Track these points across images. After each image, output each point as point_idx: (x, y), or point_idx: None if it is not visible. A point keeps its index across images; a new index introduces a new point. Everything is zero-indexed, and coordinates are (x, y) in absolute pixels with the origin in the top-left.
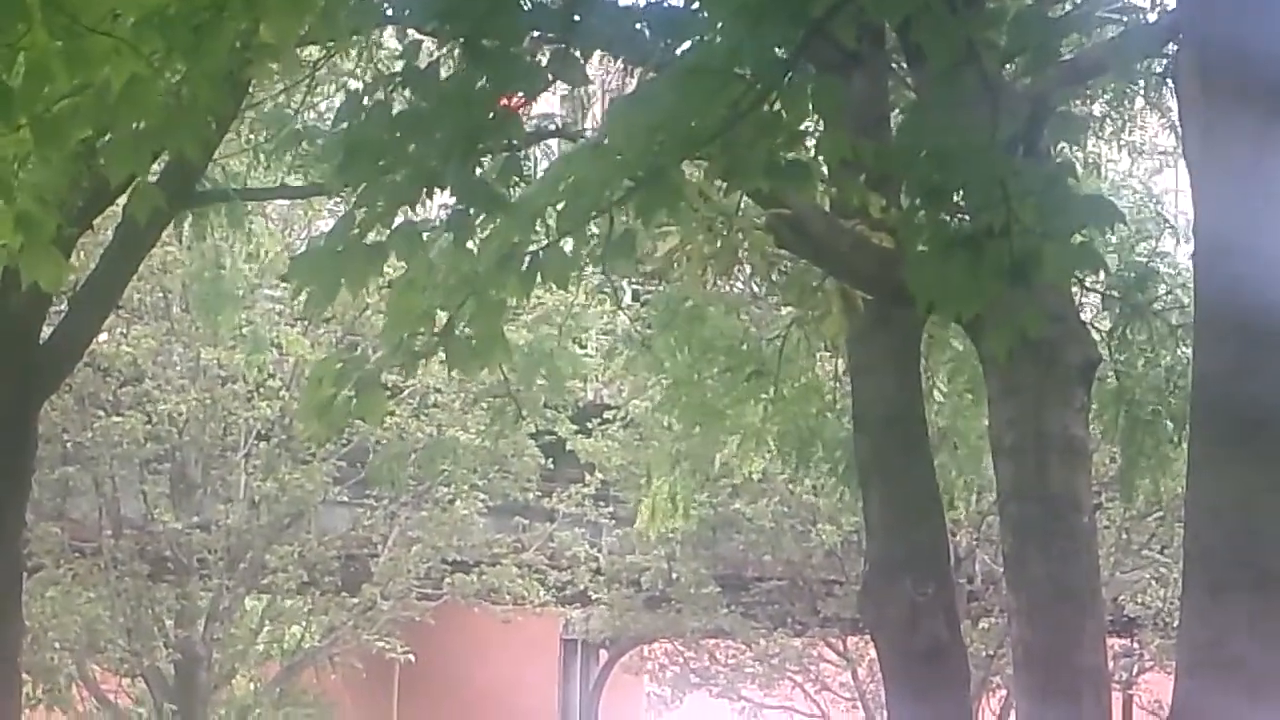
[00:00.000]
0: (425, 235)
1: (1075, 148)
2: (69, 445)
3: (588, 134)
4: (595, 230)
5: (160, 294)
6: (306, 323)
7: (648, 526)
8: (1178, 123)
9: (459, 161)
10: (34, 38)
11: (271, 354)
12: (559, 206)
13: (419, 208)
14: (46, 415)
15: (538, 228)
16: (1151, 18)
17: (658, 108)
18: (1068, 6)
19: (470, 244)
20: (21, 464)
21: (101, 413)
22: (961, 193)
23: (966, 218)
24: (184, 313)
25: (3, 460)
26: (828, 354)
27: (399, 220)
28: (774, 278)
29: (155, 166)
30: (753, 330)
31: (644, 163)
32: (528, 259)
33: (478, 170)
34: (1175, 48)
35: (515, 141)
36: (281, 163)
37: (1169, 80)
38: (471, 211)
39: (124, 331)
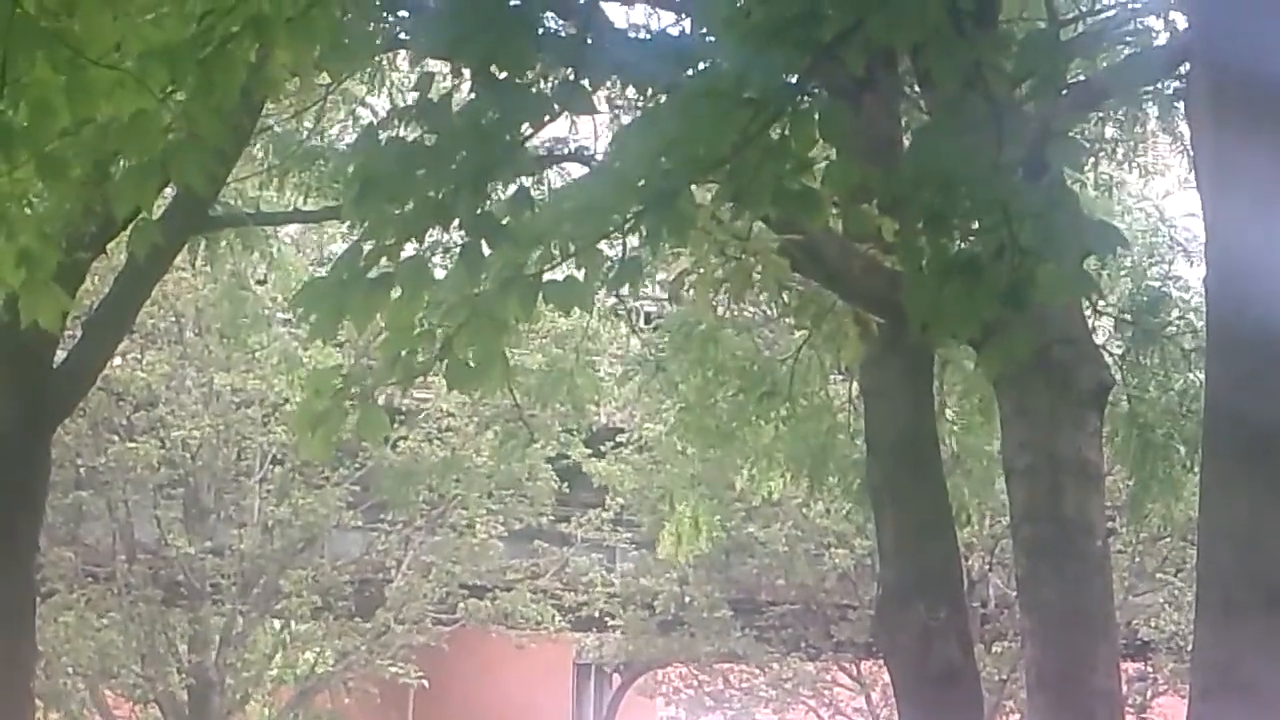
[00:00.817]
0: (432, 266)
1: (1087, 170)
2: (82, 470)
3: (598, 157)
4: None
5: (173, 319)
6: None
7: (674, 552)
8: (1189, 145)
9: (469, 195)
10: (37, 73)
11: (293, 376)
12: (564, 229)
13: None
14: (60, 440)
15: (554, 250)
16: (1162, 40)
17: (665, 131)
18: (1079, 29)
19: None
20: (35, 488)
21: (115, 437)
22: (964, 216)
23: (968, 241)
24: (197, 337)
25: (16, 485)
26: (840, 377)
27: (406, 253)
28: (786, 300)
29: (168, 191)
30: (765, 352)
31: (650, 186)
32: (530, 282)
33: (488, 203)
34: (1186, 70)
35: (524, 175)
36: (294, 185)
37: (1180, 102)
38: (483, 244)
39: (138, 356)
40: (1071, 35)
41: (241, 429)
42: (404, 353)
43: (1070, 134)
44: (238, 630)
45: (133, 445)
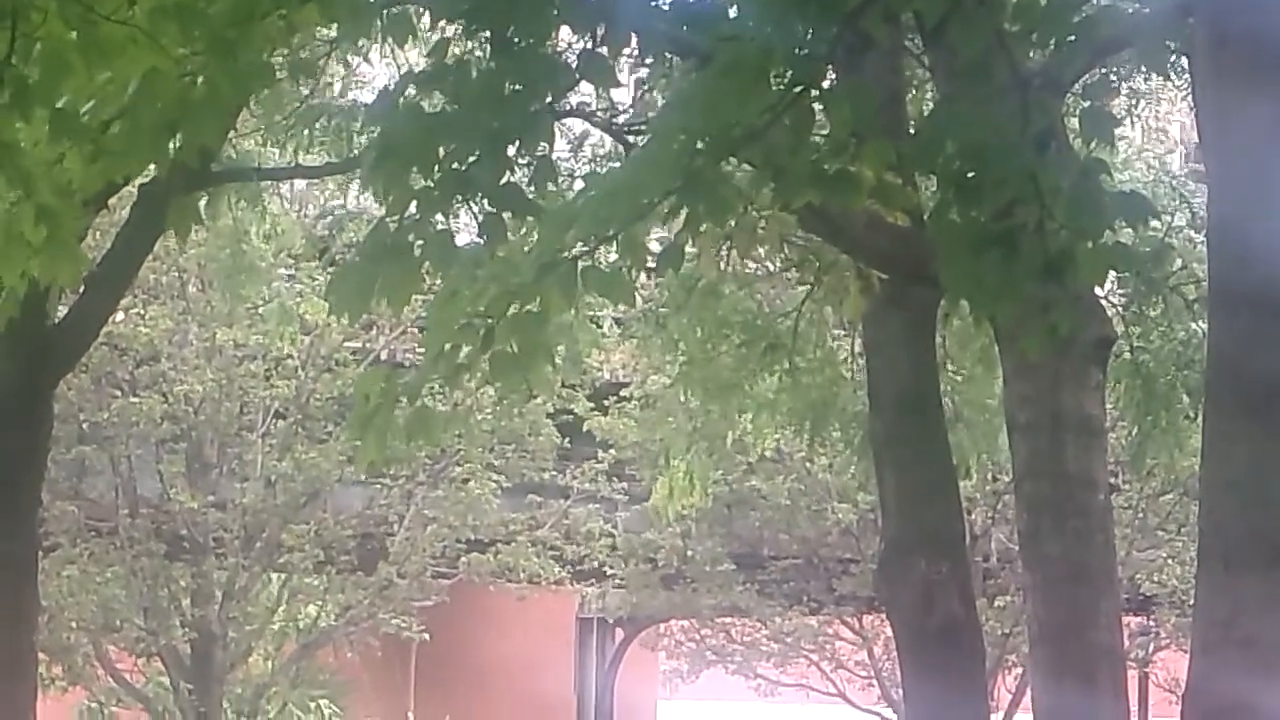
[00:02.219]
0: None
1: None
2: (85, 425)
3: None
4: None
5: (176, 274)
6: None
7: (665, 505)
8: (1192, 100)
9: (489, 164)
10: (49, 28)
11: (293, 329)
12: (599, 212)
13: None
14: (63, 395)
15: (591, 234)
16: None
17: (694, 109)
18: None
19: (503, 251)
20: (37, 444)
21: (118, 392)
22: (994, 188)
23: (1001, 214)
24: (200, 292)
25: (18, 440)
26: (843, 332)
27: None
28: (789, 254)
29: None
30: (766, 308)
31: (684, 164)
32: (568, 268)
33: (509, 174)
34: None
35: (546, 143)
36: (295, 141)
37: (1183, 57)
38: (505, 216)
39: (140, 311)
40: None
41: (244, 383)
42: (448, 347)
43: (1099, 104)
44: (240, 584)
45: (135, 400)
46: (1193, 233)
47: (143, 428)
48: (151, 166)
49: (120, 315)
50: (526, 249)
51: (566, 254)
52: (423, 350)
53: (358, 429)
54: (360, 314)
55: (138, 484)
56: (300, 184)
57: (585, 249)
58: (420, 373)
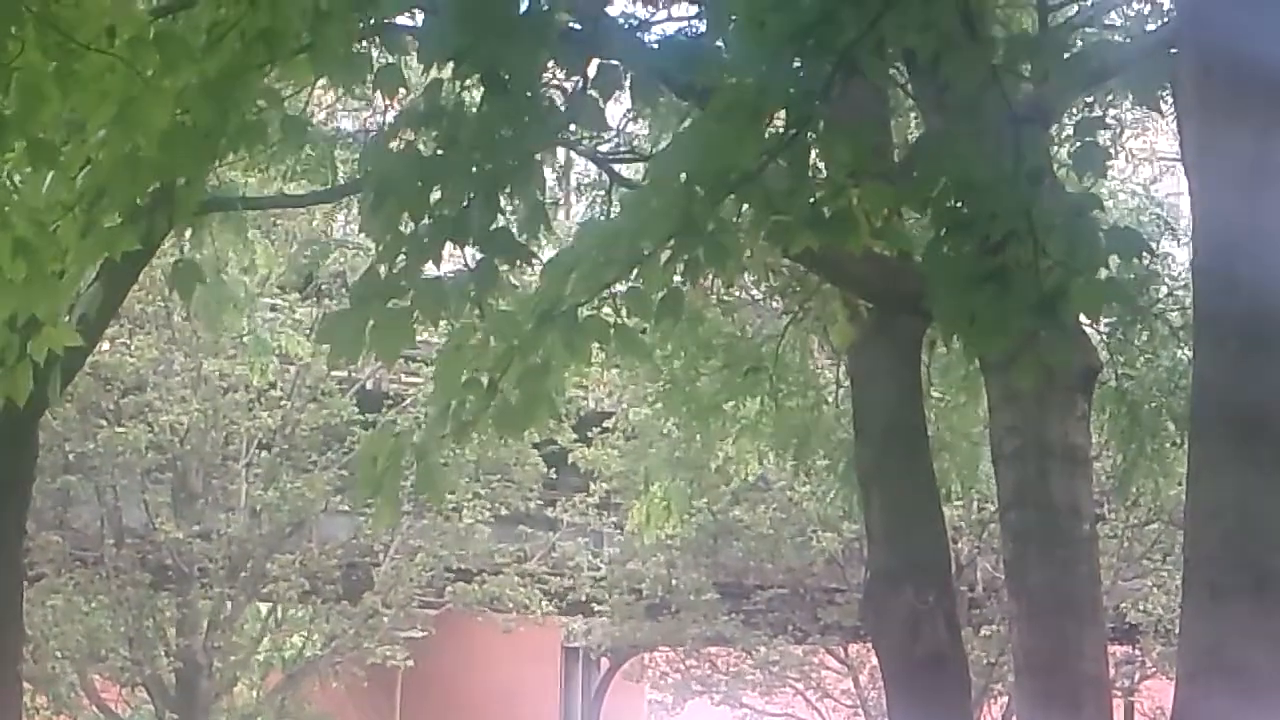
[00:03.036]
0: (449, 288)
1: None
2: (71, 454)
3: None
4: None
5: (161, 303)
6: (310, 331)
7: (641, 530)
8: (1176, 129)
9: (481, 209)
10: (27, 58)
11: (274, 362)
12: (596, 259)
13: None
14: (48, 424)
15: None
16: (1151, 26)
17: (690, 154)
18: (1073, 11)
19: (504, 302)
20: (22, 473)
21: (103, 422)
22: (987, 223)
23: (994, 249)
24: (185, 322)
25: (3, 469)
26: (828, 360)
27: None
28: (773, 281)
29: None
30: (749, 332)
31: (679, 210)
32: (568, 319)
33: (501, 219)
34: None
35: (537, 188)
36: (279, 170)
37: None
38: (496, 262)
39: (125, 341)
40: (1064, 19)
41: (229, 413)
42: (454, 404)
43: (1091, 140)
44: (225, 614)
45: (121, 430)
46: (1177, 258)
47: (128, 457)
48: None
49: (105, 345)
50: (528, 301)
51: (566, 305)
52: (409, 380)
53: (368, 490)
54: (354, 358)
55: (123, 514)
56: (282, 213)
57: (585, 298)
58: (427, 431)
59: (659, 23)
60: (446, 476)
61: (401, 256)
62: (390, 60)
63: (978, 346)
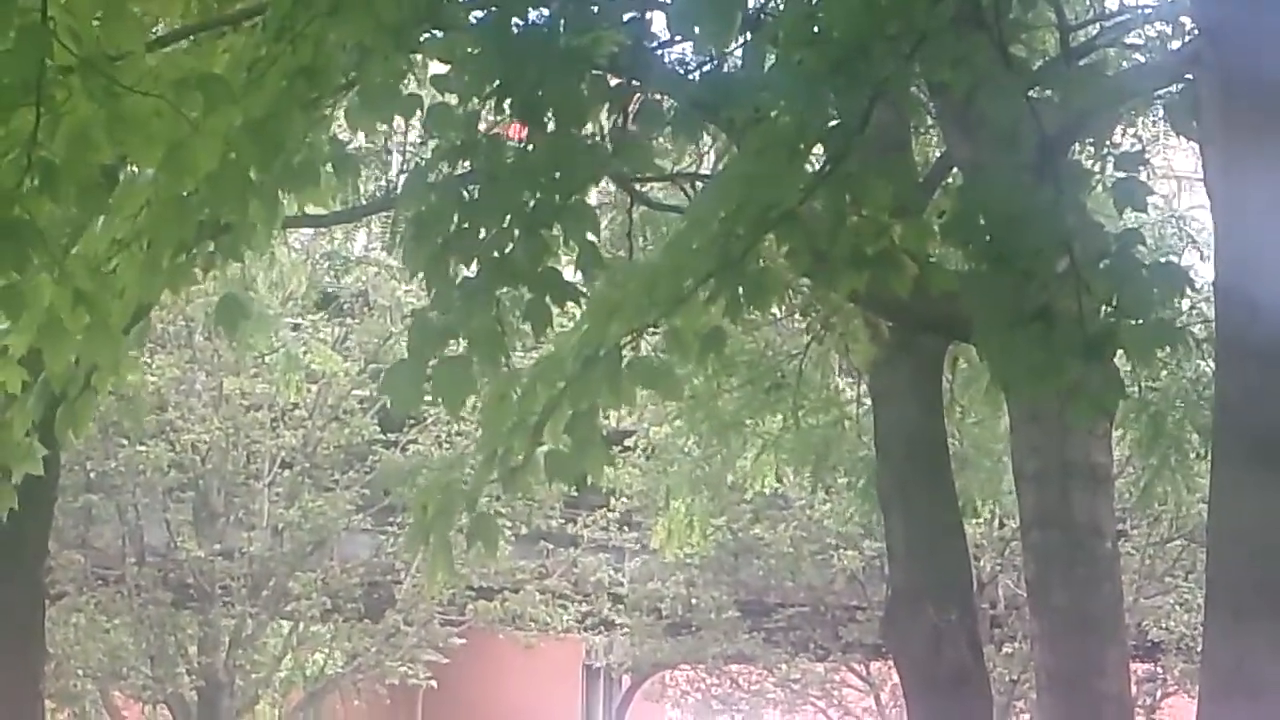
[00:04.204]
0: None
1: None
2: (92, 473)
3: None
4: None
5: (183, 322)
6: (333, 349)
7: (664, 547)
8: (1199, 149)
9: (529, 249)
10: (74, 104)
11: (301, 376)
12: (639, 300)
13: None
14: (69, 443)
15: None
16: (1175, 45)
17: (729, 192)
18: (1094, 30)
19: (548, 341)
20: (43, 492)
21: (125, 441)
22: (1027, 258)
23: (1037, 286)
24: (207, 341)
25: (25, 488)
26: (849, 379)
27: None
28: (793, 299)
29: None
30: (769, 349)
31: (719, 248)
32: (613, 360)
33: (551, 259)
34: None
35: (586, 229)
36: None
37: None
38: (548, 301)
39: (147, 360)
40: (1087, 38)
41: (251, 432)
42: (500, 450)
43: (1133, 174)
44: (247, 632)
45: (142, 449)
46: (1200, 269)
47: (150, 476)
48: None
49: None
50: (570, 344)
51: (608, 347)
52: (433, 403)
53: (418, 540)
54: (417, 406)
55: (145, 532)
56: (307, 232)
57: (628, 340)
58: (476, 479)
59: (677, 42)
60: (498, 526)
61: (457, 304)
62: (442, 100)
63: (1028, 388)
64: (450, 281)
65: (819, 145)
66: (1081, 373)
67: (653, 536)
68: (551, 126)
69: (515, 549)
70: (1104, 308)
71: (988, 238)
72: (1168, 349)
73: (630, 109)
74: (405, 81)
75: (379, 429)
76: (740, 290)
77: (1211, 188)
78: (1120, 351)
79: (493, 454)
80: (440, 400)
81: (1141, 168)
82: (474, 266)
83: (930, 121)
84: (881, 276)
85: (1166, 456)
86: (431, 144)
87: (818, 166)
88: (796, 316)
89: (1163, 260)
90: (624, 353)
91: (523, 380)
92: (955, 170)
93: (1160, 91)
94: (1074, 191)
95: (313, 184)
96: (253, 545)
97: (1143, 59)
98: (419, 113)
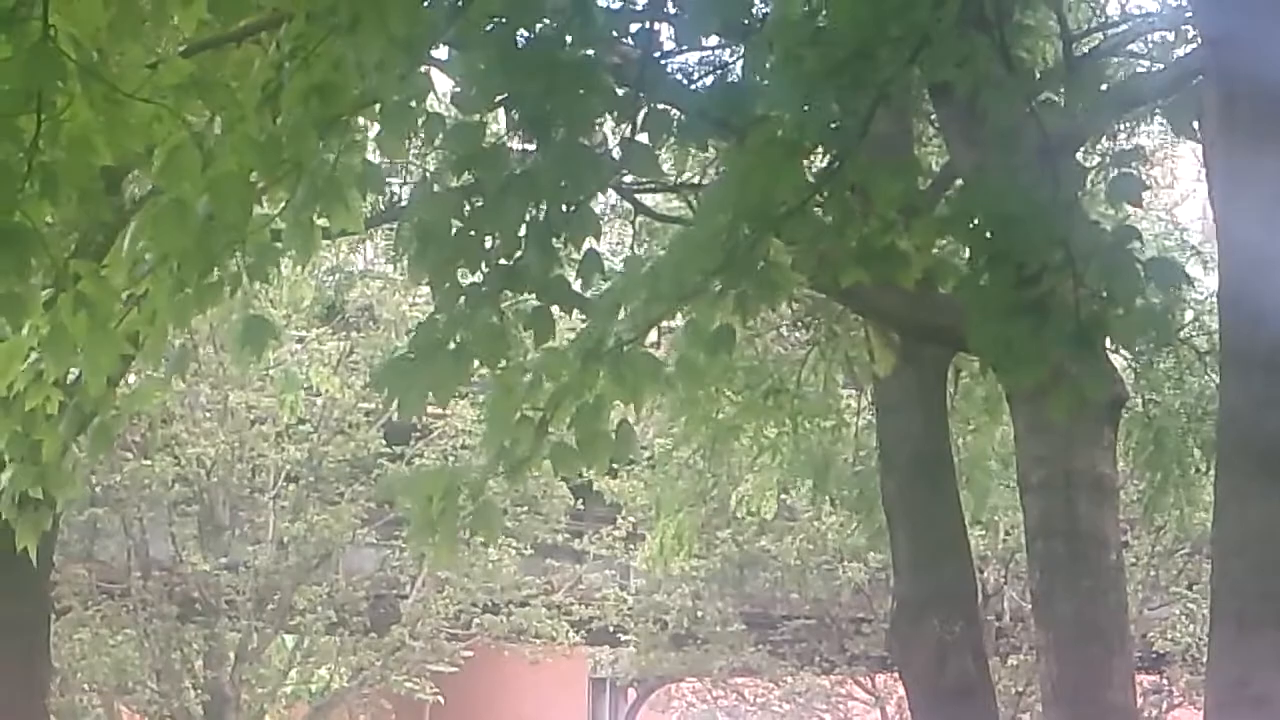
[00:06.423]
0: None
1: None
2: (97, 487)
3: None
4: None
5: (188, 336)
6: (337, 364)
7: (654, 562)
8: (1202, 156)
9: (538, 258)
10: (74, 110)
11: (301, 394)
12: (641, 295)
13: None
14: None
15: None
16: (1179, 52)
17: (732, 189)
18: (1098, 39)
19: (553, 342)
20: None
21: (130, 455)
22: (1025, 255)
23: (1031, 280)
24: (212, 355)
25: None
26: (851, 392)
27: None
28: (794, 309)
29: None
30: (769, 356)
31: (723, 245)
32: (615, 355)
33: (556, 267)
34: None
35: (592, 236)
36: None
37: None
38: (553, 310)
39: (150, 373)
40: (1092, 44)
41: (256, 446)
42: (507, 443)
43: (1128, 170)
44: (253, 646)
45: (147, 463)
46: (1202, 283)
47: (155, 490)
48: None
49: (131, 378)
50: (573, 337)
51: (612, 342)
52: (436, 412)
53: (422, 531)
54: (417, 407)
55: (150, 546)
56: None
57: (632, 335)
58: (482, 470)
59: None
60: (500, 513)
61: (461, 303)
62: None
63: (1014, 376)
64: (457, 287)
65: (820, 148)
66: (1068, 361)
67: (640, 553)
68: (560, 135)
69: (522, 564)
70: (1094, 298)
71: (988, 235)
72: (1167, 353)
73: (637, 119)
74: (427, 101)
75: (384, 442)
76: (748, 287)
77: (1215, 197)
78: (1113, 348)
79: (499, 447)
80: (432, 393)
81: (1135, 164)
82: (478, 274)
83: (932, 133)
84: (887, 271)
85: (1170, 471)
86: (433, 155)
87: (820, 166)
88: (799, 325)
89: (1158, 256)
90: (624, 349)
91: (527, 374)
92: (958, 182)
93: (1162, 101)
94: (1072, 191)
95: (339, 202)
96: (258, 559)
97: (1145, 67)
98: (439, 133)
